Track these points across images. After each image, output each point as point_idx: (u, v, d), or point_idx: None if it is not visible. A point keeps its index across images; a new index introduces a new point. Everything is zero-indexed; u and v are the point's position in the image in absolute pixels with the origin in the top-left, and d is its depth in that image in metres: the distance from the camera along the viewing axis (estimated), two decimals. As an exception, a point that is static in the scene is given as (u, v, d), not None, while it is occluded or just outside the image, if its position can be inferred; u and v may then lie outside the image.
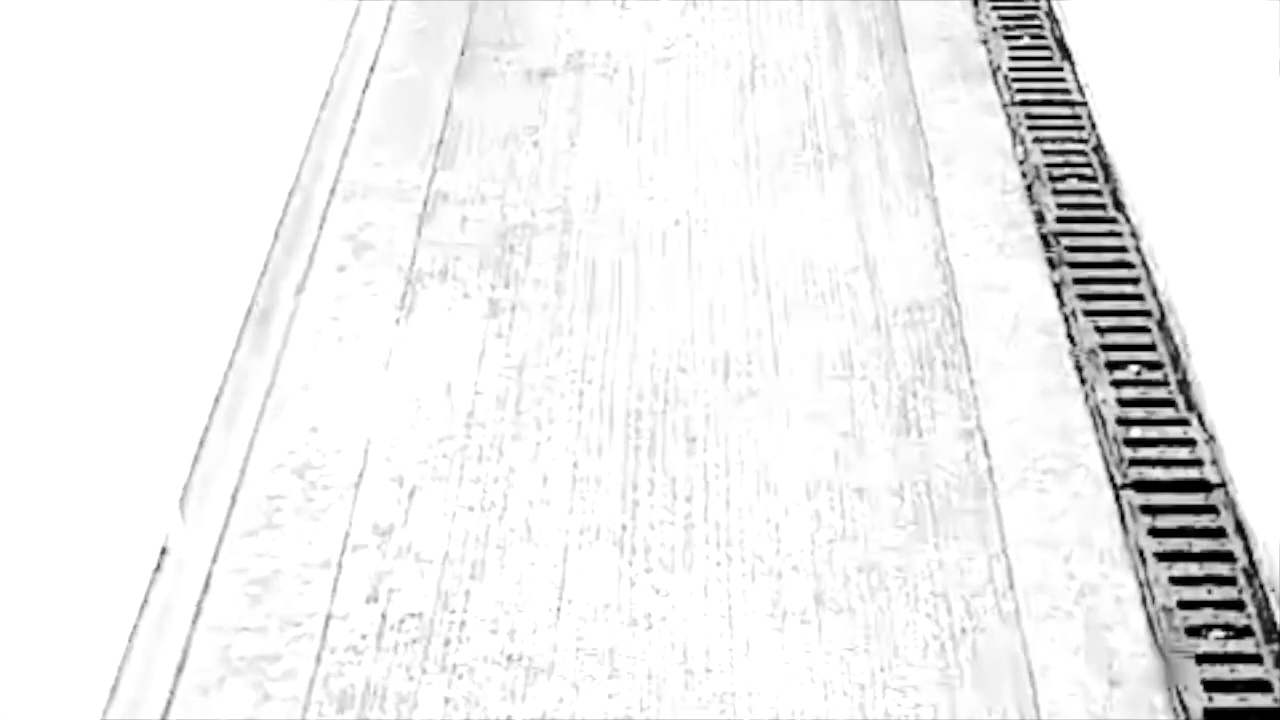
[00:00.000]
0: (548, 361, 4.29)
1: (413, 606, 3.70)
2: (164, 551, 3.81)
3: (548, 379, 4.25)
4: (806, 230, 4.69)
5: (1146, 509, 3.87)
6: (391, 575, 3.77)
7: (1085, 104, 5.13)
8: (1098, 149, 4.94)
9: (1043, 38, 5.47)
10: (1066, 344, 4.30)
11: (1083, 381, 4.19)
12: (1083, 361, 4.23)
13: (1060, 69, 5.31)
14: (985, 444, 4.04)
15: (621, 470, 4.01)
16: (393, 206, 4.79)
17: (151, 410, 3.73)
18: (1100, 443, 4.03)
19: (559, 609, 3.70)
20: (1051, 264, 4.53)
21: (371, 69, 5.34)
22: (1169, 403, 4.13)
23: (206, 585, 3.76)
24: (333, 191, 4.86)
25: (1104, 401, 4.11)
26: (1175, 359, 4.21)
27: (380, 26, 5.49)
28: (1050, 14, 5.54)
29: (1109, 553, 3.79)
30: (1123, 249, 4.59)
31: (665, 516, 3.89)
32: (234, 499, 3.95)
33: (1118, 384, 4.18)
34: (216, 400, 4.19)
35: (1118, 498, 3.91)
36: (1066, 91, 5.22)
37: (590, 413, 4.15)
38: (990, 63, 5.35)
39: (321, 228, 4.72)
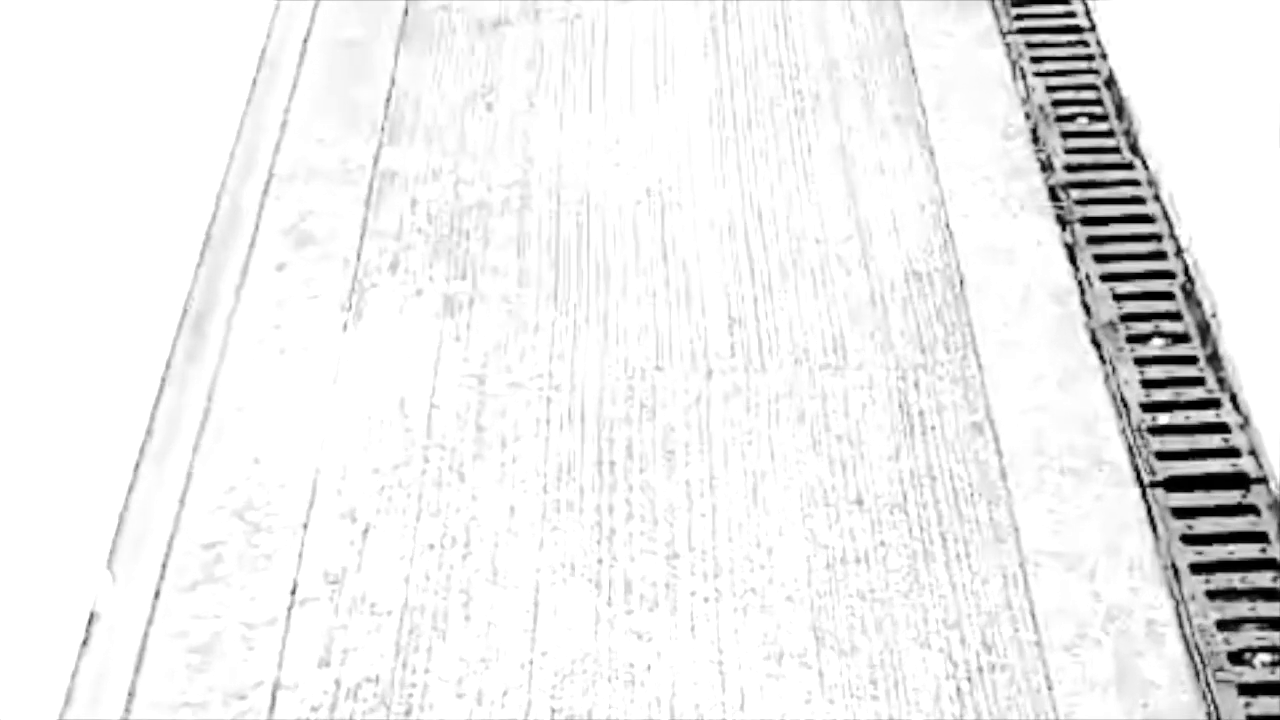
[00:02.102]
0: (510, 366, 3.88)
1: (369, 669, 3.32)
2: (93, 618, 3.42)
3: (511, 386, 3.84)
4: (790, 194, 4.25)
5: (1179, 512, 3.48)
6: (345, 632, 3.38)
7: (1094, 29, 4.66)
8: (1110, 82, 4.49)
9: (1041, -46, 4.99)
10: (1082, 315, 3.89)
11: (1102, 360, 3.78)
12: (1101, 336, 3.81)
13: (1063, -12, 4.84)
14: (996, 440, 3.64)
15: (596, 492, 3.61)
16: (335, 190, 4.36)
17: (72, 448, 3.33)
18: (1124, 432, 3.63)
19: (531, 663, 3.32)
20: (1062, 221, 4.10)
21: (308, 31, 4.87)
22: (1198, 381, 3.73)
23: (141, 655, 3.38)
24: (270, 175, 4.43)
25: (1126, 383, 3.70)
26: (1204, 330, 3.80)
27: (315, -13, 5.02)
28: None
29: (1138, 565, 3.40)
30: (1140, 200, 4.16)
31: (645, 545, 3.50)
32: (169, 548, 3.57)
33: (1141, 361, 3.77)
34: (148, 431, 3.78)
35: (1145, 498, 3.51)
36: (1072, 15, 4.76)
37: (559, 424, 3.75)
38: (985, -15, 4.88)
39: (259, 219, 4.30)
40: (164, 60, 3.96)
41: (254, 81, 4.65)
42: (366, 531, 3.56)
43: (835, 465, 3.62)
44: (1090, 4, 4.72)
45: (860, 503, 3.55)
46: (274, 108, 4.64)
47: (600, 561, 3.48)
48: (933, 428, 3.68)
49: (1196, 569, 3.38)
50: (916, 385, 3.77)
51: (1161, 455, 3.57)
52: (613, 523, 3.55)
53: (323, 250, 4.21)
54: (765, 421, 3.72)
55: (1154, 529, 3.44)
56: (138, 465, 3.72)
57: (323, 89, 4.70)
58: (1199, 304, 3.85)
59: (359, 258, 4.17)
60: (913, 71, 4.61)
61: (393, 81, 4.71)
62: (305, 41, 4.87)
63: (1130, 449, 3.58)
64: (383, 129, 4.54)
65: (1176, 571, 3.36)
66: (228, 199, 4.35)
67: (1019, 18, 4.73)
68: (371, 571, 3.49)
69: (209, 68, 4.37)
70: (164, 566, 3.54)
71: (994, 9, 4.77)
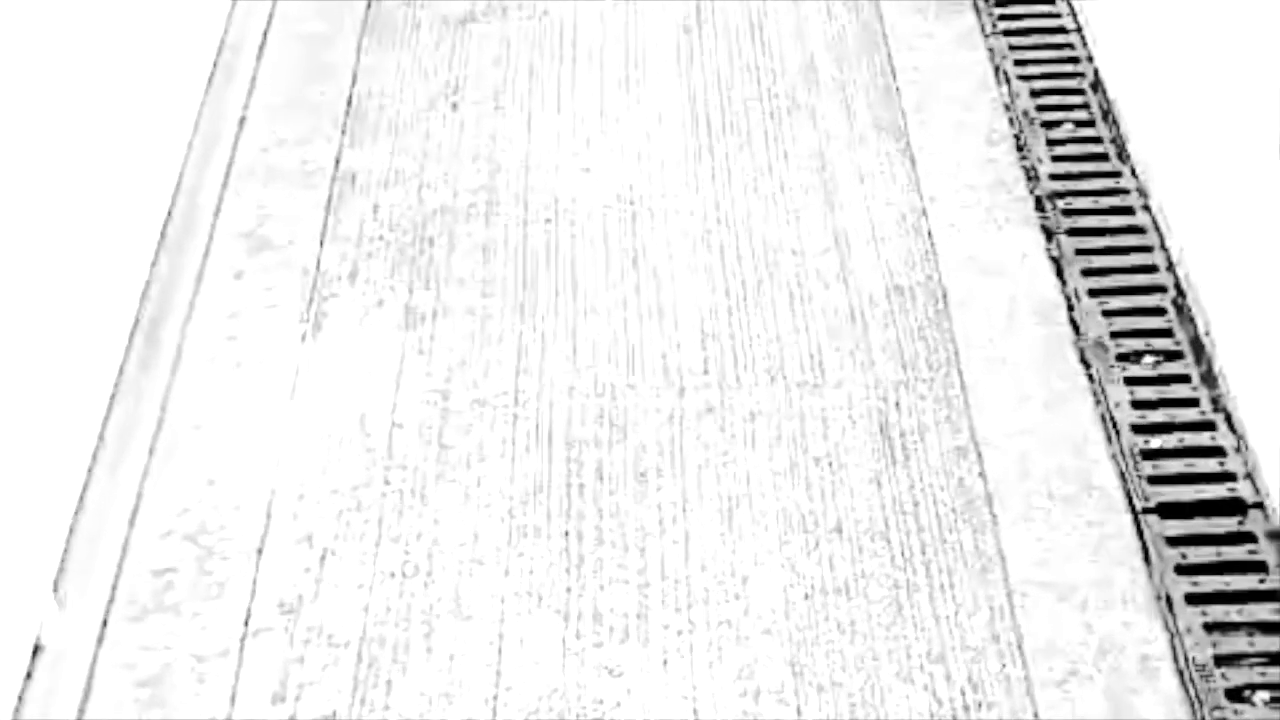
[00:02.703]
0: (475, 381, 3.72)
1: (325, 706, 3.16)
2: (38, 649, 3.25)
3: (475, 403, 3.68)
4: (766, 203, 4.10)
5: (1173, 540, 3.33)
6: (301, 665, 3.22)
7: (1079, 30, 4.51)
8: (1096, 85, 4.34)
9: (1025, -49, 4.84)
10: (1070, 332, 3.74)
11: (1091, 379, 3.63)
12: (1090, 354, 3.67)
13: (1047, -13, 4.69)
14: (981, 463, 3.49)
15: (564, 516, 3.46)
16: (294, 194, 4.19)
17: (17, 465, 3.16)
18: (1115, 456, 3.48)
19: (495, 699, 3.17)
20: (1048, 233, 3.95)
21: (267, 24, 4.69)
22: (1191, 402, 3.58)
23: (88, 689, 3.21)
24: (227, 175, 4.26)
25: (1116, 405, 3.56)
26: (1197, 346, 3.66)
27: (275, -21, 4.84)
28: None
29: (1131, 596, 3.26)
30: (1129, 210, 4.02)
31: (616, 574, 3.34)
32: (118, 573, 3.40)
33: (1131, 381, 3.63)
34: (97, 447, 3.61)
35: (1138, 525, 3.37)
36: (1056, 16, 4.60)
37: (526, 444, 3.59)
38: (967, -16, 4.72)
39: (214, 223, 4.13)
40: (118, 53, 3.79)
41: (211, 76, 4.48)
42: (324, 558, 3.40)
43: (814, 490, 3.47)
44: (1076, 4, 4.56)
45: (840, 530, 3.40)
46: (232, 103, 4.47)
47: (569, 590, 3.33)
48: (915, 450, 3.54)
49: (1192, 600, 3.24)
50: (898, 405, 3.62)
51: (1154, 480, 3.43)
52: (581, 549, 3.39)
53: (281, 257, 4.04)
54: (740, 442, 3.57)
55: (1147, 558, 3.31)
56: (86, 484, 3.56)
57: (283, 85, 4.53)
58: (1192, 320, 3.71)
59: (318, 265, 4.01)
60: (892, 74, 4.46)
61: (355, 78, 4.54)
62: (264, 34, 4.69)
63: (1121, 473, 3.43)
64: (344, 129, 4.37)
65: (1171, 603, 3.22)
66: (184, 199, 4.19)
67: (1002, 18, 4.58)
68: (329, 600, 3.33)
69: (165, 61, 4.20)
70: (112, 593, 3.38)
71: (975, 9, 4.63)
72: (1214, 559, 3.31)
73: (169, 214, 4.14)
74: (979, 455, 3.51)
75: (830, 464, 3.52)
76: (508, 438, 3.61)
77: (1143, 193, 4.02)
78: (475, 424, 3.65)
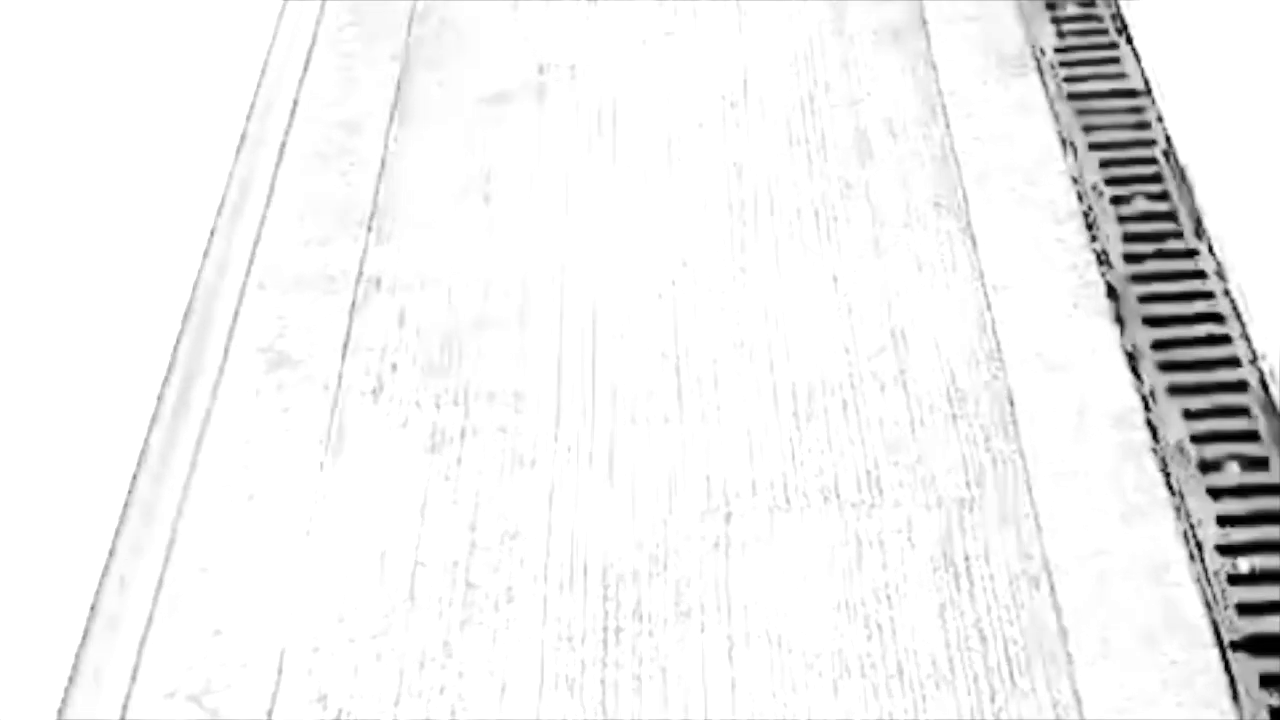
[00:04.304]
0: (505, 511, 3.44)
1: None
2: (30, 830, 3.01)
3: (505, 536, 3.40)
4: (817, 297, 3.80)
5: (1268, 680, 3.00)
6: (314, 843, 2.95)
7: (1149, 92, 4.19)
8: (1168, 154, 4.01)
9: (1091, 4, 4.51)
10: (1148, 437, 3.42)
11: (1171, 490, 3.30)
12: (1170, 463, 3.34)
13: (1116, 47, 4.35)
14: (1054, 592, 3.18)
15: (599, 665, 3.17)
16: (316, 300, 3.93)
17: (14, 619, 2.91)
18: (1199, 580, 3.16)
19: None
20: (1121, 323, 3.63)
21: (291, 113, 4.44)
22: (1281, 517, 3.25)
23: None
24: (245, 281, 3.99)
25: (1199, 522, 3.23)
26: (1286, 453, 3.33)
27: (300, 60, 4.58)
28: (1098, -24, 4.58)
29: (1222, 746, 2.93)
30: (1208, 294, 3.68)
31: (655, 730, 3.06)
32: (120, 739, 3.14)
33: (1215, 493, 3.29)
34: (97, 594, 3.37)
35: (1226, 661, 3.04)
36: (1124, 77, 4.28)
37: (559, 583, 3.31)
38: (1031, 45, 4.39)
39: (230, 336, 3.86)
40: (131, 147, 3.55)
41: (233, 164, 4.22)
42: (339, 719, 3.13)
43: (871, 626, 3.17)
44: (1145, 66, 4.24)
45: (901, 673, 3.10)
46: (254, 199, 4.21)
47: (604, 751, 3.05)
48: (981, 578, 3.23)
49: (1288, 752, 2.91)
50: (962, 525, 3.32)
51: (1244, 609, 3.10)
52: (619, 704, 3.10)
53: (300, 372, 3.78)
54: (791, 574, 3.27)
55: (1237, 701, 2.98)
56: (84, 638, 3.30)
57: (304, 178, 4.26)
58: (1278, 419, 3.37)
59: (340, 380, 3.74)
60: (951, 144, 4.15)
61: (382, 168, 4.27)
62: (289, 121, 4.43)
63: (1207, 602, 3.11)
64: (369, 226, 4.11)
65: (1265, 756, 2.90)
66: (198, 309, 3.93)
67: (1067, 80, 4.25)
68: (346, 767, 3.06)
69: (184, 146, 3.95)
70: (113, 763, 3.11)
71: (1039, 71, 4.30)
72: (1313, 701, 2.98)
73: (180, 330, 3.88)
74: (1051, 583, 3.20)
75: (888, 596, 3.22)
76: (539, 574, 3.34)
77: (1221, 274, 3.70)
78: (504, 560, 3.37)
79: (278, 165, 4.34)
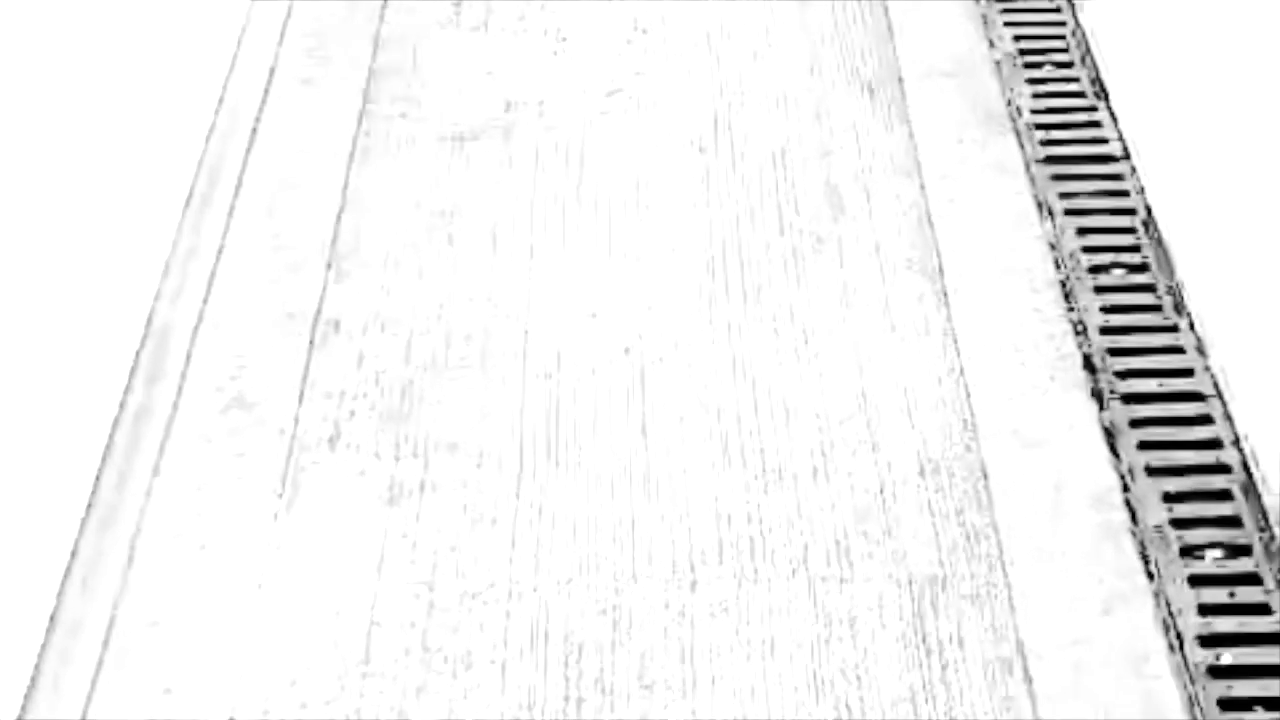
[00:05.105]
0: (464, 570, 3.34)
1: None
2: None
3: (464, 597, 3.30)
4: (786, 361, 3.71)
5: (1246, 781, 2.93)
6: None
7: (1128, 157, 4.12)
8: (1148, 223, 3.94)
9: (1069, 65, 4.44)
10: (1126, 518, 3.34)
11: (1151, 577, 3.23)
12: (1149, 546, 3.27)
13: (1095, 110, 4.29)
14: (1029, 681, 3.10)
15: (560, 739, 3.06)
16: (274, 341, 3.81)
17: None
18: (1179, 672, 3.08)
19: None
20: (1099, 399, 3.56)
21: (249, 144, 4.32)
22: (1263, 609, 3.18)
23: None
24: (199, 320, 3.87)
25: (1179, 611, 3.16)
26: (1267, 537, 3.25)
27: (260, 87, 4.46)
28: (1080, 36, 4.50)
29: (1199, 847, 2.85)
30: (1188, 371, 3.61)
31: (617, 812, 2.95)
32: (59, 802, 3.01)
33: (1196, 581, 3.22)
34: (41, 650, 3.24)
35: (1206, 759, 2.97)
36: (1104, 142, 4.21)
37: (519, 649, 3.21)
38: (1008, 104, 4.32)
39: (184, 377, 3.74)
40: (88, 177, 3.42)
41: (186, 202, 4.10)
42: (290, 787, 3.02)
43: (840, 708, 3.09)
44: (1123, 130, 4.17)
45: (870, 758, 3.01)
46: (209, 236, 4.09)
47: (564, 831, 2.94)
48: (954, 661, 3.14)
49: None
50: (934, 606, 3.24)
51: (1226, 704, 3.03)
52: (579, 781, 3.00)
53: (255, 416, 3.67)
54: (758, 648, 3.18)
55: (1216, 801, 2.91)
56: (28, 696, 3.18)
57: (260, 217, 4.14)
58: (1260, 503, 3.31)
59: (296, 426, 3.63)
60: (926, 209, 4.07)
61: (341, 209, 4.16)
62: (246, 156, 4.31)
63: (1189, 698, 3.04)
64: (329, 265, 3.99)
65: None
66: (151, 345, 3.80)
67: (1044, 143, 4.18)
68: (295, 839, 2.95)
69: (138, 178, 3.83)
70: (51, 829, 2.99)
71: (1016, 133, 4.23)
72: (1294, 805, 2.91)
73: (132, 370, 3.76)
74: (1026, 671, 3.12)
75: (858, 677, 3.13)
76: (499, 640, 3.23)
77: (1202, 350, 3.63)
78: (463, 622, 3.27)
79: (234, 197, 4.22)
